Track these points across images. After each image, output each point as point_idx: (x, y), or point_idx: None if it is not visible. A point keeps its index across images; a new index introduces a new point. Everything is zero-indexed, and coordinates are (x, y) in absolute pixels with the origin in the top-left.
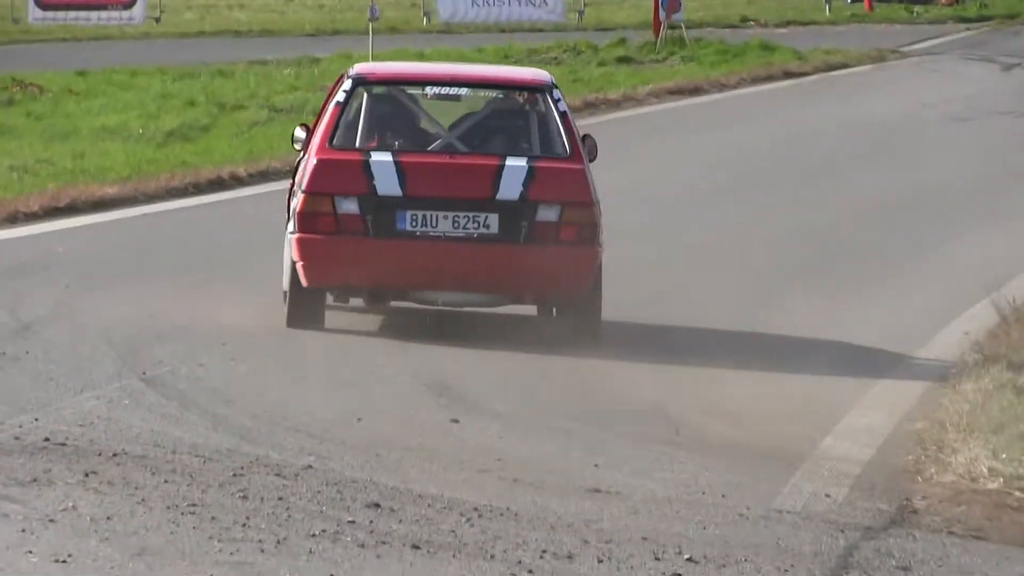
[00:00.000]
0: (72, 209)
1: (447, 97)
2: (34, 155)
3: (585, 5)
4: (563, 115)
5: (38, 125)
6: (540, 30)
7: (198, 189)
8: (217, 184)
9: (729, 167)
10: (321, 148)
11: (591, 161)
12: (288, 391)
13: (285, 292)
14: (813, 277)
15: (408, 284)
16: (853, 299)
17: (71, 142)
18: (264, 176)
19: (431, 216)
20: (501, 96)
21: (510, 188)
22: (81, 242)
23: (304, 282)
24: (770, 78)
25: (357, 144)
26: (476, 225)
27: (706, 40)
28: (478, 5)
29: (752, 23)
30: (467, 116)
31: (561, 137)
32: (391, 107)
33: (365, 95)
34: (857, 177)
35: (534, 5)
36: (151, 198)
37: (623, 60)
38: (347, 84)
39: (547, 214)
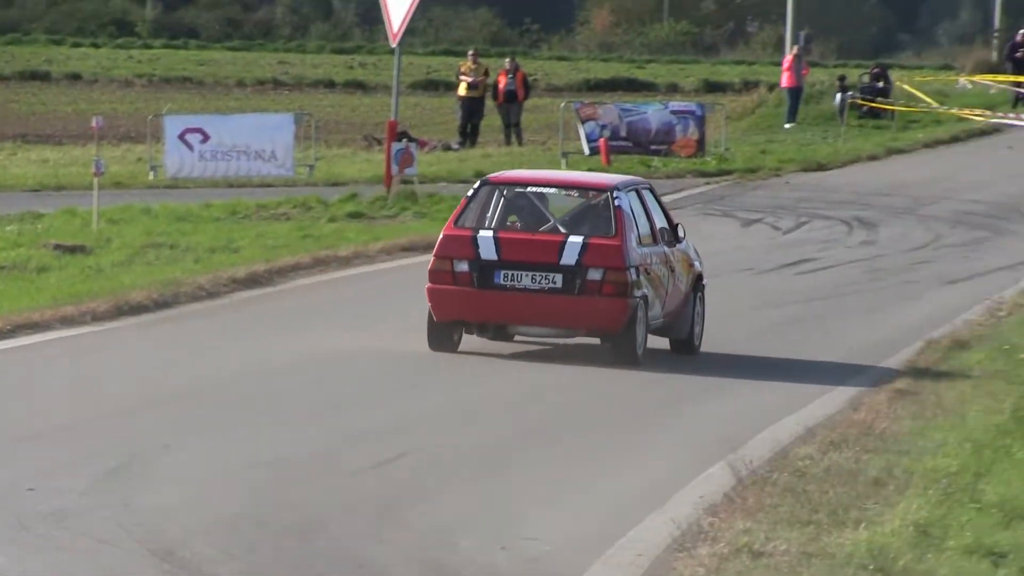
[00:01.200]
0: None
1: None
2: None
3: (316, 159)
4: (617, 208)
5: None
6: (270, 185)
7: None
8: None
9: None
10: (448, 227)
11: (679, 241)
12: (5, 555)
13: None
14: (552, 440)
15: (501, 320)
16: (593, 461)
17: None
18: None
19: (517, 274)
20: (578, 194)
21: (570, 256)
22: None
23: (435, 318)
24: None
25: (474, 224)
26: (547, 281)
27: (439, 195)
28: (205, 159)
29: None
30: (560, 204)
31: (610, 222)
32: (504, 199)
33: (486, 191)
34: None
35: (263, 159)
36: None
37: (354, 216)
38: (477, 184)
39: (594, 275)
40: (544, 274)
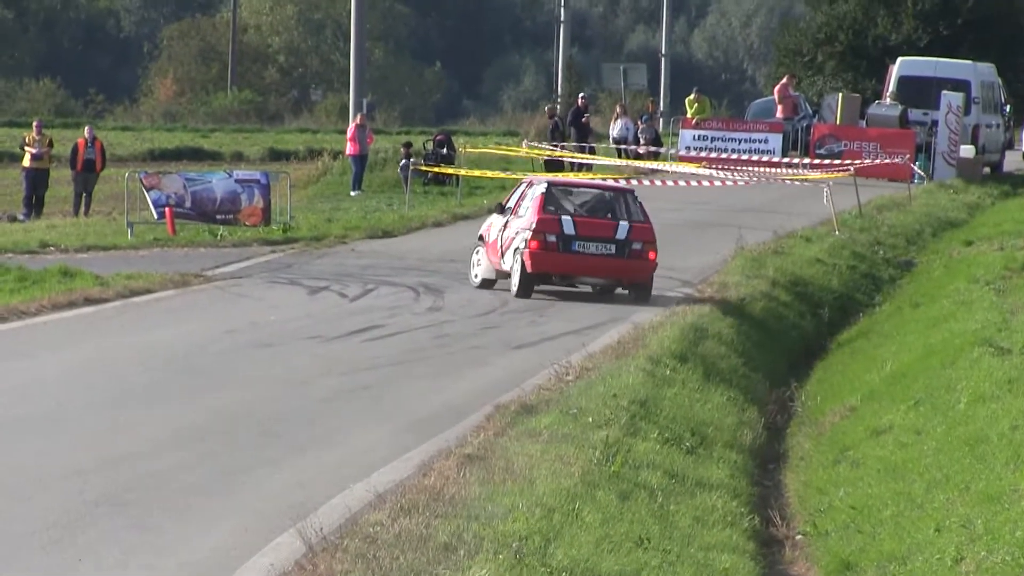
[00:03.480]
0: None
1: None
2: None
3: None
4: (639, 203)
5: None
6: None
7: None
8: None
9: (31, 399)
10: (539, 211)
11: None
12: None
13: (479, 280)
14: (118, 509)
15: (573, 273)
16: (159, 530)
17: None
18: None
19: (587, 244)
20: (612, 194)
21: (621, 233)
22: None
23: (529, 270)
24: (72, 304)
25: (554, 210)
26: (607, 249)
27: (5, 266)
28: None
29: (52, 248)
30: (601, 200)
31: (641, 213)
32: (564, 195)
33: (554, 190)
34: (165, 405)
35: None
36: None
37: None
38: (543, 186)
39: (636, 246)
40: (604, 244)
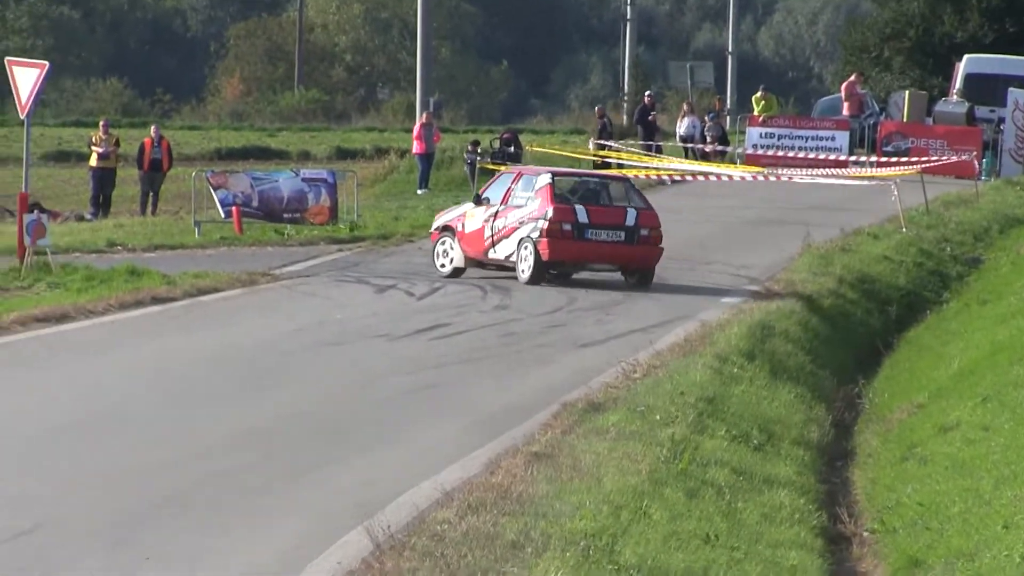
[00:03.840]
0: None
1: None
2: None
3: None
4: (637, 190)
5: None
6: None
7: None
8: None
9: (97, 398)
10: (551, 201)
11: None
12: None
13: (450, 269)
14: (185, 508)
15: (586, 260)
16: (226, 529)
17: None
18: None
19: (599, 232)
20: (611, 181)
21: (631, 220)
22: None
23: (545, 258)
24: (139, 303)
25: (562, 199)
26: (617, 236)
27: (73, 265)
28: None
29: (119, 248)
30: (601, 188)
31: (644, 200)
32: (568, 185)
33: (557, 180)
34: (231, 404)
35: None
36: None
37: None
38: (548, 177)
39: (644, 232)
40: (615, 231)
